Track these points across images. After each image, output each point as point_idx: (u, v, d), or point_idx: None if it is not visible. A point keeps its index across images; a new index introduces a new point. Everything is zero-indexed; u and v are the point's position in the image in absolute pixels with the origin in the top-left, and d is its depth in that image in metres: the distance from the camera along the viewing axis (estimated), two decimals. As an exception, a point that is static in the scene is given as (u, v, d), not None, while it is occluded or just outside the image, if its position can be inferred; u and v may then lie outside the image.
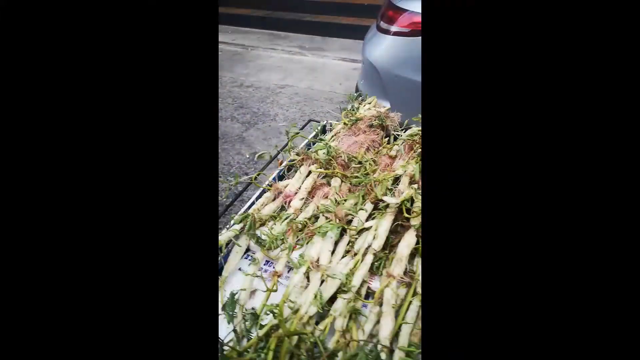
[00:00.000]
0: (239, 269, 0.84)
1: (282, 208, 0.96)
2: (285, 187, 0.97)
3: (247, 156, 2.41)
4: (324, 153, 1.05)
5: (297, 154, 1.09)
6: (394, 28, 2.03)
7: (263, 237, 0.85)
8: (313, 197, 0.96)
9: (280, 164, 1.18)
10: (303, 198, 0.94)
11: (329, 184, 0.99)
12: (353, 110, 1.35)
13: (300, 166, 1.04)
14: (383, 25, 2.12)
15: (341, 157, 1.03)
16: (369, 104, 1.38)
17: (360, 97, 1.43)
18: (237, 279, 0.82)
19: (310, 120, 1.50)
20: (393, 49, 2.04)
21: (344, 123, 1.27)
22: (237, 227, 0.86)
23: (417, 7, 1.97)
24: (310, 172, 1.02)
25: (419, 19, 1.93)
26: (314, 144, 1.26)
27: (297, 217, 0.90)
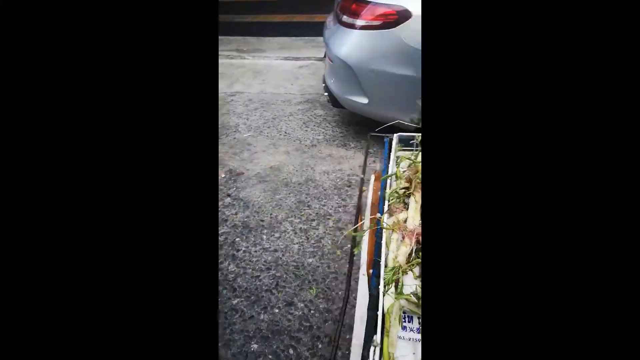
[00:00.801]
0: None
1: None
2: (404, 222, 0.84)
3: (224, 176, 2.21)
4: None
5: (406, 179, 0.94)
6: (360, 22, 1.99)
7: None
8: None
9: (375, 192, 1.02)
10: None
11: None
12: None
13: (409, 193, 0.89)
14: (347, 19, 2.07)
15: None
16: None
17: None
18: (402, 344, 0.69)
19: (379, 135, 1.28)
20: (364, 43, 2.00)
21: None
22: (392, 290, 0.72)
23: (379, -1, 1.95)
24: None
25: (384, 10, 1.91)
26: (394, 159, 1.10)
27: None
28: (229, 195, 2.05)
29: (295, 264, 1.65)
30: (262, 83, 3.42)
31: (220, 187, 2.11)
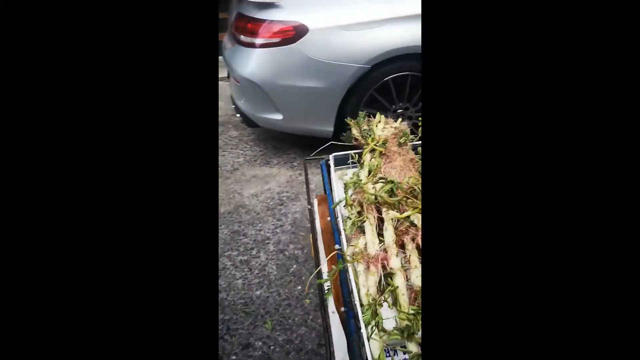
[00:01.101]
0: None
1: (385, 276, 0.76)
2: (365, 249, 0.80)
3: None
4: (384, 191, 0.88)
5: (358, 203, 0.90)
6: (259, 40, 1.97)
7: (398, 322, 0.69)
8: (401, 246, 0.81)
9: (323, 217, 0.96)
10: (397, 253, 0.78)
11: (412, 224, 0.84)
12: (367, 133, 1.14)
13: (362, 218, 0.86)
14: (245, 39, 2.03)
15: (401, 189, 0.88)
16: (379, 122, 1.21)
17: (367, 118, 1.23)
18: None
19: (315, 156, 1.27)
20: (268, 60, 1.98)
21: (374, 150, 1.07)
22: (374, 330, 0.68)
23: (272, 15, 1.95)
24: (380, 219, 0.85)
25: (280, 26, 1.92)
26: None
27: (412, 279, 0.75)
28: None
29: (242, 300, 1.55)
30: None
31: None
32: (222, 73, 3.41)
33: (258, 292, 1.58)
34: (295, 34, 1.88)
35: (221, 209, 2.04)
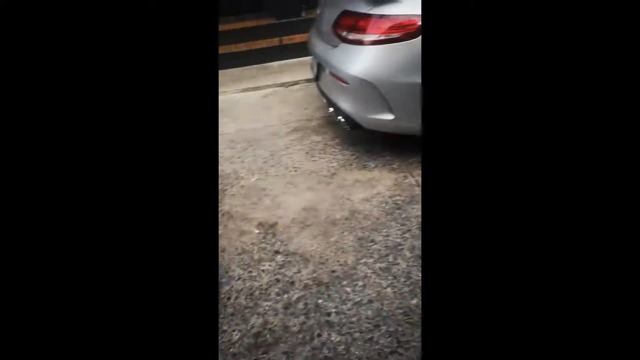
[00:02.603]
0: None
1: None
2: None
3: (257, 231, 1.89)
4: None
5: None
6: (373, 37, 1.89)
7: None
8: None
9: None
10: None
11: None
12: None
13: None
14: (356, 37, 1.95)
15: None
16: None
17: None
18: None
19: None
20: (386, 57, 1.90)
21: None
22: None
23: (390, 10, 1.88)
24: None
25: (400, 21, 1.84)
26: None
27: None
28: (277, 252, 1.74)
29: (401, 310, 1.44)
30: (235, 120, 3.11)
31: (261, 245, 1.79)
32: (278, 79, 3.29)
33: (414, 302, 1.47)
34: (418, 27, 1.81)
35: (337, 215, 1.94)
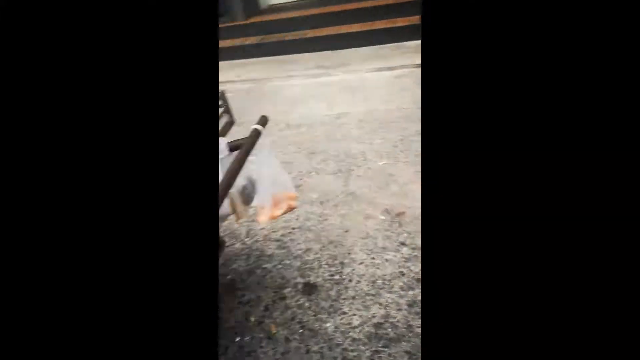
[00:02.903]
0: None
1: None
2: None
3: (383, 218, 1.81)
4: None
5: None
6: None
7: None
8: None
9: None
10: None
11: None
12: None
13: None
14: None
15: None
16: None
17: None
18: None
19: None
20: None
21: None
22: None
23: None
24: None
25: None
26: None
27: None
28: (403, 244, 1.65)
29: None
30: (365, 100, 3.05)
31: (386, 232, 1.72)
32: (414, 60, 3.07)
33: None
34: None
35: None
